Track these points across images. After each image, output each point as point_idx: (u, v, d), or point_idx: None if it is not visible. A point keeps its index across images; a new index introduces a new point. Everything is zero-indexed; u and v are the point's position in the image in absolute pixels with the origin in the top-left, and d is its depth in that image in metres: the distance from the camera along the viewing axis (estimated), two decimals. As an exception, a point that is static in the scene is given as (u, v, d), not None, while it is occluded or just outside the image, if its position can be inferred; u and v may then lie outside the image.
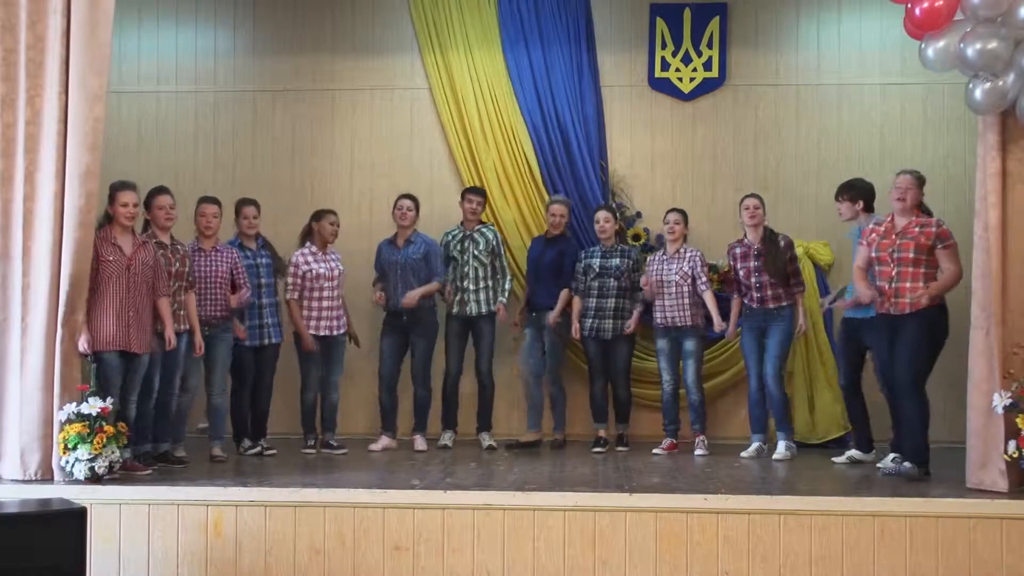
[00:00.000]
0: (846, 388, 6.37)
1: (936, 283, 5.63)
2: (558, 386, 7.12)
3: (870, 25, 7.60)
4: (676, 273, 6.77)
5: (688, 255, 6.82)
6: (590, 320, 6.99)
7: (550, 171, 7.59)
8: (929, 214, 5.92)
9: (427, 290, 6.91)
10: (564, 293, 7.02)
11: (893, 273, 5.69)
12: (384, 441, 6.89)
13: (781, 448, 6.50)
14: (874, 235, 5.87)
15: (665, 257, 6.86)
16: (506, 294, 7.11)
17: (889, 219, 5.86)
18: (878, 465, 6.07)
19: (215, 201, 6.46)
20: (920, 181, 5.83)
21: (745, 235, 6.70)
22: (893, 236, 5.76)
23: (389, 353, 6.97)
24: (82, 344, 5.43)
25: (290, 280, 6.75)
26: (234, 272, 6.41)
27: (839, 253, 7.36)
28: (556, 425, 7.14)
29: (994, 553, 4.86)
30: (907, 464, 5.60)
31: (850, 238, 6.51)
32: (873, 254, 5.83)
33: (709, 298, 6.78)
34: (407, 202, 7.00)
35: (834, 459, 6.38)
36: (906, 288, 5.64)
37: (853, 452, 6.36)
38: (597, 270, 6.98)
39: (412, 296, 6.83)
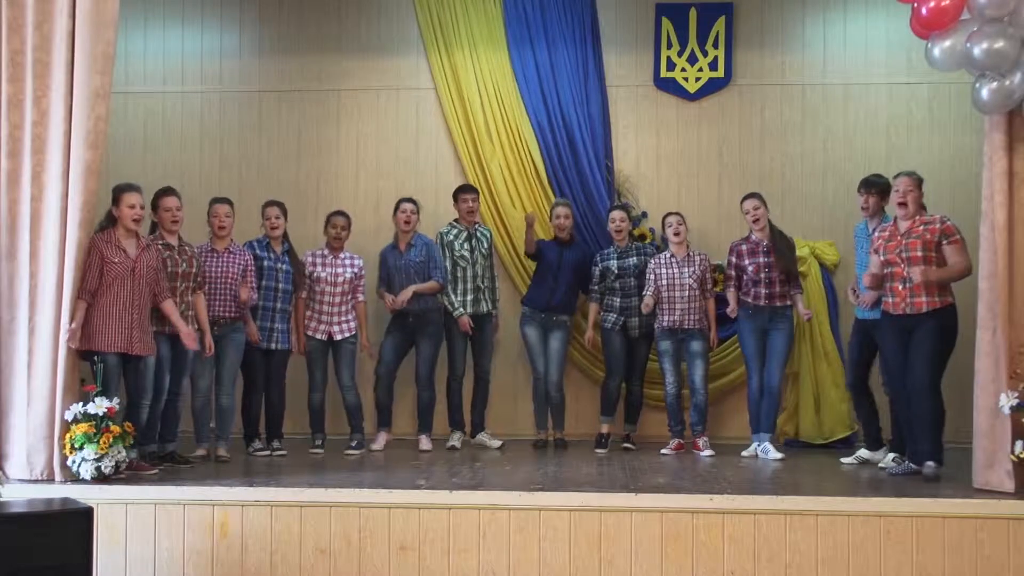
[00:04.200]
0: (853, 387, 6.38)
1: (941, 268, 5.58)
2: (561, 390, 7.13)
3: (876, 25, 7.60)
4: (690, 277, 6.77)
5: (698, 259, 6.84)
6: (614, 315, 6.99)
7: (555, 171, 7.60)
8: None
9: (424, 288, 6.82)
10: (593, 307, 7.08)
11: (906, 273, 5.68)
12: (383, 437, 6.91)
13: (772, 448, 6.52)
14: (880, 240, 5.85)
15: (676, 260, 6.85)
16: (496, 303, 7.26)
17: (892, 223, 5.85)
18: (880, 465, 6.08)
19: (227, 201, 6.47)
20: (920, 180, 5.78)
21: (751, 233, 6.70)
22: (899, 238, 5.74)
23: (390, 352, 6.95)
24: (64, 335, 5.33)
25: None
26: (247, 273, 6.42)
27: (845, 253, 7.35)
28: (556, 425, 7.16)
29: (1001, 553, 4.84)
30: (930, 464, 5.56)
31: (859, 233, 6.48)
32: (882, 257, 5.80)
33: (711, 306, 6.83)
34: (410, 205, 6.98)
35: (843, 460, 6.38)
36: (920, 287, 5.61)
37: (862, 452, 6.36)
38: (616, 271, 6.98)
39: (405, 295, 6.76)
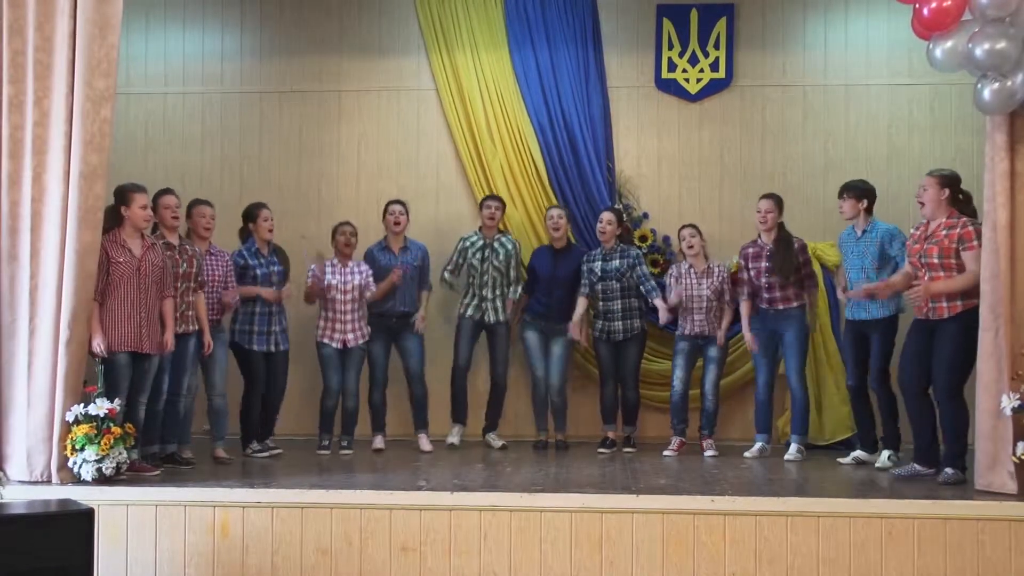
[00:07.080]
0: (854, 389, 6.36)
1: (941, 282, 5.52)
2: (563, 395, 7.12)
3: (877, 25, 7.59)
4: (708, 288, 6.77)
5: (717, 271, 6.82)
6: (600, 322, 7.00)
7: (557, 172, 7.59)
8: (970, 212, 5.69)
9: (425, 308, 7.09)
10: (581, 301, 7.00)
11: (925, 278, 5.61)
12: (378, 442, 6.92)
13: (793, 450, 6.51)
14: (910, 240, 5.81)
15: (694, 272, 6.82)
16: (516, 293, 7.13)
17: (924, 224, 5.76)
18: (877, 465, 6.09)
19: (209, 203, 6.44)
20: (944, 180, 5.65)
21: (759, 235, 6.69)
22: (923, 241, 5.67)
23: (380, 356, 6.97)
24: (96, 346, 5.44)
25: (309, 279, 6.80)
26: (228, 277, 6.41)
27: (846, 254, 7.35)
28: (558, 427, 7.15)
29: (1002, 555, 4.84)
30: (948, 471, 5.52)
31: (841, 240, 6.47)
32: (907, 259, 5.78)
33: (727, 314, 6.81)
34: (399, 207, 6.99)
35: (840, 460, 6.40)
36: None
37: (858, 453, 6.37)
38: (599, 274, 6.98)
39: (421, 323, 6.99)
